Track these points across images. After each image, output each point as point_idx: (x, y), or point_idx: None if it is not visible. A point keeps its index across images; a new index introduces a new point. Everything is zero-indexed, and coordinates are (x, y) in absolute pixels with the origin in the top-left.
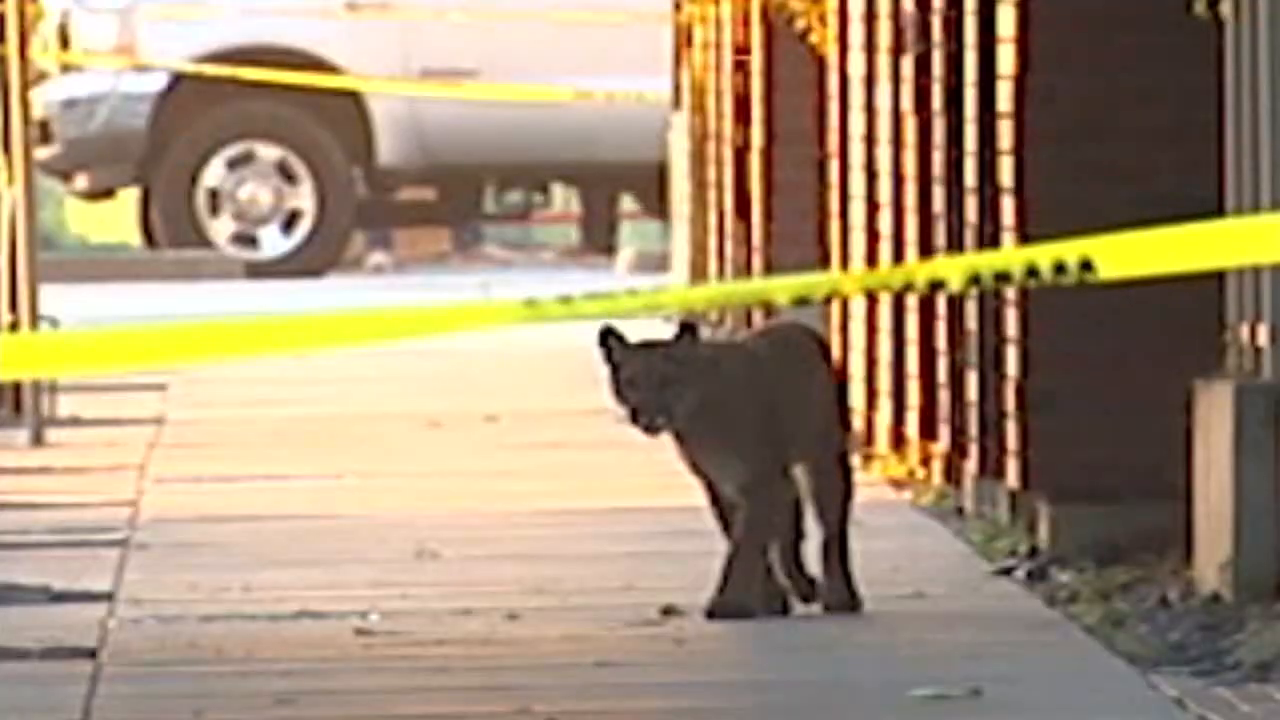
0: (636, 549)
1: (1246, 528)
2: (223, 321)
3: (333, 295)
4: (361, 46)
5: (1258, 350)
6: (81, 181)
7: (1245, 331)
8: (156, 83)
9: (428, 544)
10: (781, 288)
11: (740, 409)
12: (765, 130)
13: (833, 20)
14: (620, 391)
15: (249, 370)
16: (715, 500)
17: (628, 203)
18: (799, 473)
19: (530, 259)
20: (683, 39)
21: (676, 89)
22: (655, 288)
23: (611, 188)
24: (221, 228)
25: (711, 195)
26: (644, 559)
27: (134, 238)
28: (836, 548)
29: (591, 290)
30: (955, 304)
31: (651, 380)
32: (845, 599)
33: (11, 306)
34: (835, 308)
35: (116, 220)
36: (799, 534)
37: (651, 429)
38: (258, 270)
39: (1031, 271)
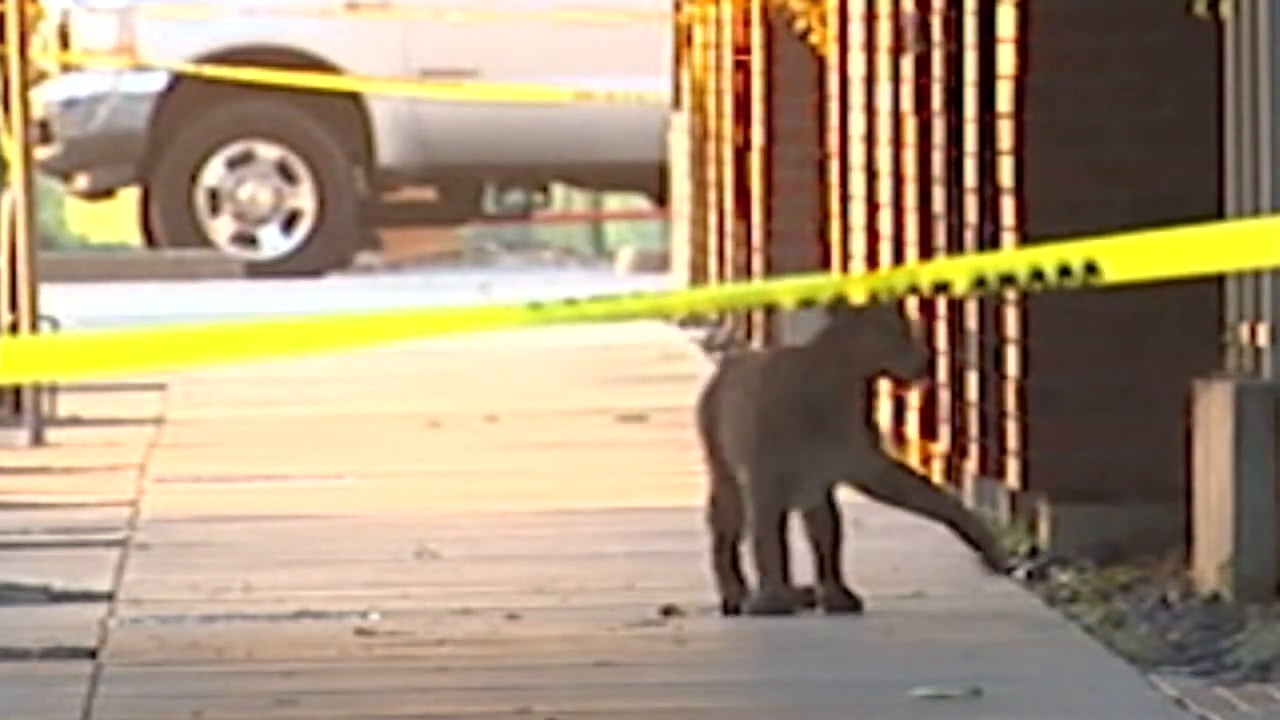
0: (636, 549)
1: (1246, 528)
2: (223, 325)
3: (332, 295)
4: (361, 46)
5: (1258, 350)
6: (82, 181)
7: (1245, 331)
8: (156, 83)
9: (428, 544)
10: (786, 290)
11: None
12: (765, 130)
13: (833, 20)
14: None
15: (249, 370)
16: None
17: (619, 202)
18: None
19: (530, 259)
20: (683, 39)
21: (676, 89)
22: (660, 290)
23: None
24: (221, 227)
25: (712, 195)
26: (644, 559)
27: (134, 237)
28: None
29: (596, 293)
30: (955, 303)
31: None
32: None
33: (11, 306)
34: None
35: (116, 220)
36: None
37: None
38: (257, 270)
39: (1036, 274)
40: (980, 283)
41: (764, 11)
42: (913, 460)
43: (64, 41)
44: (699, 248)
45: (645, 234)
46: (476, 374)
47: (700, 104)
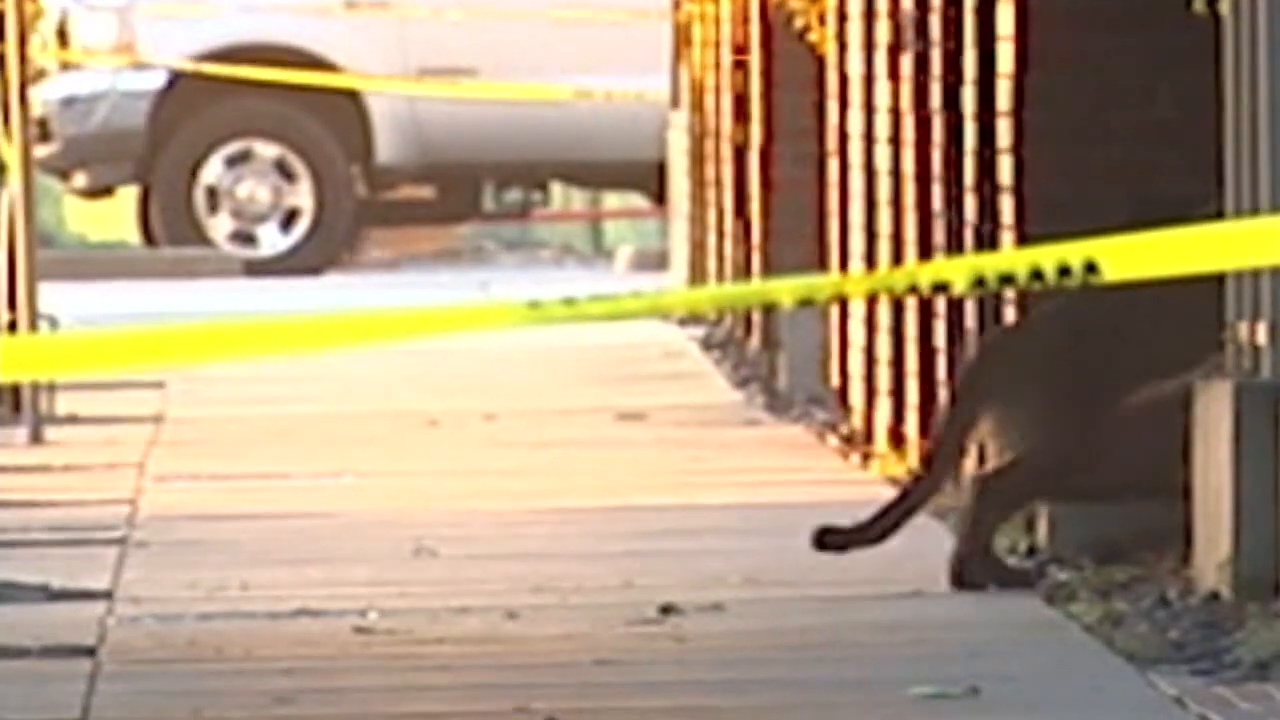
0: (636, 548)
1: (1246, 527)
2: (222, 323)
3: (331, 293)
4: (360, 45)
5: (1257, 349)
6: (80, 179)
7: (1245, 330)
8: (155, 81)
9: (426, 542)
10: (785, 289)
11: None
12: (764, 128)
13: (832, 19)
14: None
15: (248, 369)
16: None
17: (618, 201)
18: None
19: (529, 257)
20: (682, 37)
21: (675, 87)
22: (658, 290)
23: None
24: (220, 226)
25: (711, 193)
26: (644, 558)
27: (133, 236)
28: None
29: (594, 292)
30: (955, 302)
31: None
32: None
33: (10, 305)
34: (834, 306)
35: (115, 218)
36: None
37: None
38: (256, 268)
39: (1036, 274)
40: (979, 283)
41: (763, 10)
42: (911, 459)
43: (63, 39)
44: (698, 246)
45: (644, 232)
46: (475, 373)
47: (699, 102)
